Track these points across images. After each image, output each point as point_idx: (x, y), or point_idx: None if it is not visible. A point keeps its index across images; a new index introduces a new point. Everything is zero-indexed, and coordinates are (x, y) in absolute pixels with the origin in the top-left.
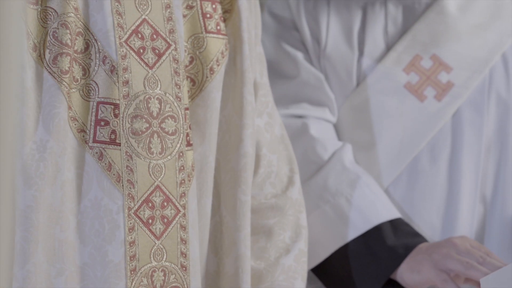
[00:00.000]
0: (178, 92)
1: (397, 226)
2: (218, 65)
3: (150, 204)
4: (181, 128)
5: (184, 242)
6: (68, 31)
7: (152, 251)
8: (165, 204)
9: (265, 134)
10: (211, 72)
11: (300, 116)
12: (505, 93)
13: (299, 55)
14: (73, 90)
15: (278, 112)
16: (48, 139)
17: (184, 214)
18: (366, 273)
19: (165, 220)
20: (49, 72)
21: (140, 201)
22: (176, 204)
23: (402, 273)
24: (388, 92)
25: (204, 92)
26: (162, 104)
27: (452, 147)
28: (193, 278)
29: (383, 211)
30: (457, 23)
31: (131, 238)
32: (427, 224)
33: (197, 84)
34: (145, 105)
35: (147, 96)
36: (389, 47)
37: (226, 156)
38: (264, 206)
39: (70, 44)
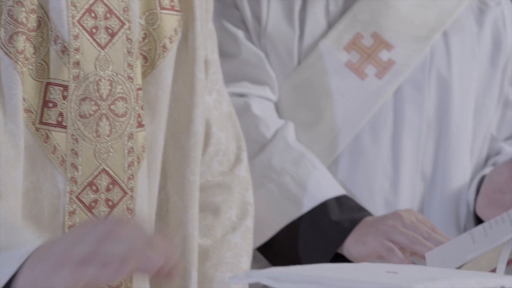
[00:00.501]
0: (131, 73)
1: (342, 201)
2: (171, 43)
3: (94, 188)
4: (132, 110)
5: None
6: (23, 9)
7: None
8: (111, 187)
9: (214, 112)
10: (164, 49)
11: (241, 95)
12: (445, 72)
13: (240, 34)
14: (24, 69)
15: None
16: (6, 122)
17: (131, 197)
18: (312, 249)
19: (110, 203)
20: (5, 52)
21: (83, 185)
22: (123, 186)
23: (348, 247)
24: (329, 71)
25: (156, 70)
26: (113, 86)
27: (393, 125)
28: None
29: (328, 188)
30: (398, 2)
31: (71, 222)
32: (369, 201)
33: (150, 62)
34: (95, 87)
35: (97, 78)
36: (330, 26)
37: (175, 135)
38: (211, 184)
39: (25, 22)
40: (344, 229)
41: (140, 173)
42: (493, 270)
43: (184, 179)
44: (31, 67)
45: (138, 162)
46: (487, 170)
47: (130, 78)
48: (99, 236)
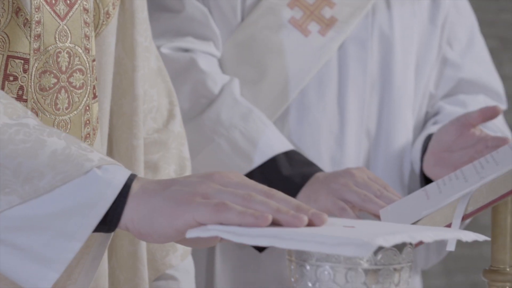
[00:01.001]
0: (87, 44)
1: (292, 156)
2: (113, 9)
3: None
4: (88, 81)
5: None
6: None
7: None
8: None
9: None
10: (107, 16)
11: (186, 50)
12: (387, 29)
13: None
14: None
15: (163, 45)
16: None
17: None
18: None
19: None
20: None
21: None
22: None
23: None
24: (273, 27)
25: (100, 37)
26: (72, 58)
27: (338, 82)
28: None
29: (277, 143)
30: None
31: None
32: (315, 158)
33: (94, 29)
34: (55, 59)
35: (57, 50)
36: None
37: (118, 101)
38: (147, 142)
39: None
40: (295, 185)
41: (95, 144)
42: (448, 225)
43: (128, 144)
44: None
45: (94, 134)
46: (433, 129)
47: (87, 49)
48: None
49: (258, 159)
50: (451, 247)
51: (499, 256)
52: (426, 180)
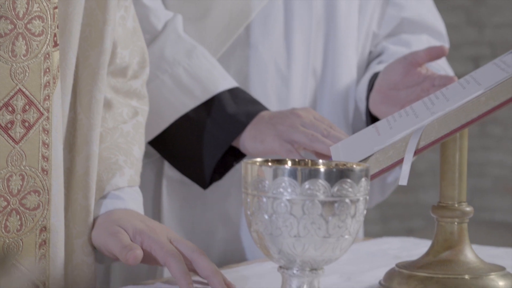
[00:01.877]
0: None
1: (237, 94)
2: None
3: (10, 108)
4: (49, 29)
5: (46, 145)
6: None
7: (10, 155)
8: (27, 107)
9: (118, 29)
10: None
11: None
12: None
13: None
14: None
15: None
16: None
17: (47, 117)
18: (207, 141)
19: (26, 124)
20: None
21: None
22: (39, 107)
23: (244, 141)
24: None
25: None
26: (30, 4)
27: (284, 20)
28: (55, 181)
29: (221, 80)
30: None
31: None
32: (261, 96)
33: None
34: (11, 5)
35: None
36: None
37: (85, 52)
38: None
39: None
40: (240, 123)
41: (55, 93)
42: (401, 160)
43: (91, 97)
44: None
45: (54, 82)
46: (379, 68)
47: None
48: None
49: (202, 96)
50: (403, 181)
51: (448, 192)
52: (372, 119)
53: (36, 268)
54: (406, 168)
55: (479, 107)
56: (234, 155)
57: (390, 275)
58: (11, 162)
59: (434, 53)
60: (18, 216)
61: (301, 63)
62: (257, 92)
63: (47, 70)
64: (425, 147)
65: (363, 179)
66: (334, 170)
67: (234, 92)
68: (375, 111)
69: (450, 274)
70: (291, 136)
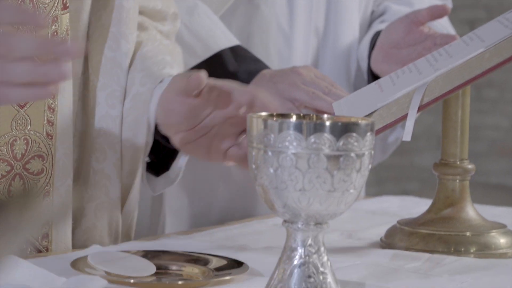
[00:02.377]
0: None
1: (238, 52)
2: None
3: None
4: None
5: (51, 110)
6: None
7: (14, 120)
8: None
9: None
10: None
11: None
12: None
13: None
14: None
15: None
16: None
17: None
18: None
19: None
20: None
21: None
22: None
23: None
24: None
25: None
26: None
27: None
28: (61, 145)
29: (222, 38)
30: None
31: None
32: (263, 56)
33: None
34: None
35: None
36: None
37: (97, 12)
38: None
39: None
40: (241, 81)
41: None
42: (404, 116)
43: (102, 56)
44: None
45: None
46: (381, 27)
47: None
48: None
49: (203, 54)
50: (407, 137)
51: (450, 149)
52: (373, 78)
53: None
54: (410, 124)
55: (483, 64)
56: None
57: (392, 232)
58: (15, 127)
59: (436, 12)
60: (21, 181)
61: (303, 22)
62: (259, 50)
63: (55, 33)
64: (428, 103)
65: (369, 134)
66: (340, 124)
67: (235, 50)
68: (376, 69)
69: (452, 231)
70: (292, 94)
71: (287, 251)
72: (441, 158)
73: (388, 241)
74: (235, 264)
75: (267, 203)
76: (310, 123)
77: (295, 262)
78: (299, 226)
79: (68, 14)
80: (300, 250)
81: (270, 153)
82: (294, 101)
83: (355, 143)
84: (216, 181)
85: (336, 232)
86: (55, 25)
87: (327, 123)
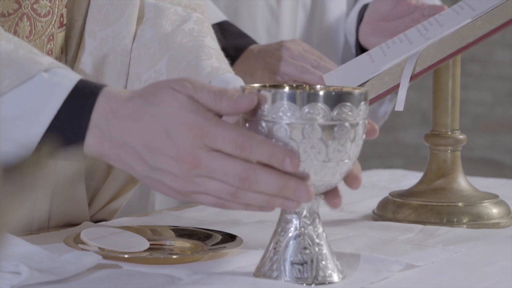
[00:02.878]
0: None
1: (225, 28)
2: None
3: None
4: (56, 9)
5: None
6: None
7: None
8: None
9: None
10: None
11: None
12: None
13: None
14: None
15: None
16: None
17: None
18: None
19: None
20: None
21: None
22: None
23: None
24: None
25: None
26: None
27: None
28: None
29: (210, 14)
30: None
31: None
32: (251, 30)
33: None
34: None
35: None
36: None
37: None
38: None
39: None
40: (229, 57)
41: None
42: (397, 86)
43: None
44: None
45: None
46: (367, 0)
47: None
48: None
49: None
50: (399, 107)
51: (441, 120)
52: (362, 51)
53: None
54: (402, 93)
55: (475, 31)
56: None
57: (384, 204)
58: None
59: None
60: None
61: None
62: (246, 26)
63: (50, 52)
64: (420, 73)
65: (362, 103)
66: (333, 93)
67: (222, 26)
68: (364, 43)
69: (444, 201)
70: (280, 68)
71: (282, 223)
72: (432, 129)
73: (380, 213)
74: (229, 238)
75: None
76: (303, 93)
77: (291, 233)
78: None
79: (63, 32)
80: (296, 222)
81: (264, 124)
82: (283, 75)
83: (349, 113)
84: None
85: (327, 206)
86: (51, 44)
87: (321, 93)
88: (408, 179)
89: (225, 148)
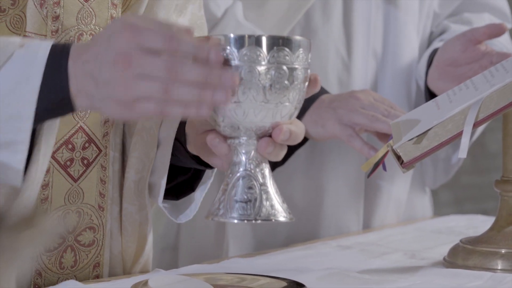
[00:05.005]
0: None
1: None
2: None
3: (70, 146)
4: None
5: (103, 182)
6: None
7: (68, 193)
8: (87, 145)
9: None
10: None
11: None
12: None
13: None
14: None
15: None
16: None
17: (105, 154)
18: None
19: (85, 161)
20: None
21: (59, 143)
22: (99, 144)
23: (306, 126)
24: None
25: (129, 12)
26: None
27: (343, 3)
28: (111, 216)
29: None
30: None
31: (45, 181)
32: (322, 81)
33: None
34: (76, 42)
35: (79, 32)
36: None
37: None
38: None
39: None
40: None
41: (114, 128)
42: (460, 133)
43: None
44: (7, 18)
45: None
46: (438, 44)
47: None
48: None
49: None
50: (463, 154)
51: (511, 166)
52: (430, 95)
53: None
54: (465, 140)
55: None
56: None
57: (454, 251)
58: (69, 200)
59: (493, 30)
60: (73, 253)
61: (361, 46)
62: None
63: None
64: (484, 120)
65: (301, 50)
66: (271, 38)
67: None
68: (433, 87)
69: None
70: (351, 119)
71: (231, 166)
72: (502, 175)
73: (451, 260)
74: (295, 285)
75: (211, 121)
76: (243, 37)
77: (237, 175)
78: (241, 140)
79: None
80: (242, 164)
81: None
82: (354, 125)
83: (287, 57)
84: None
85: (400, 252)
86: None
87: (261, 38)
88: (487, 224)
89: (155, 43)
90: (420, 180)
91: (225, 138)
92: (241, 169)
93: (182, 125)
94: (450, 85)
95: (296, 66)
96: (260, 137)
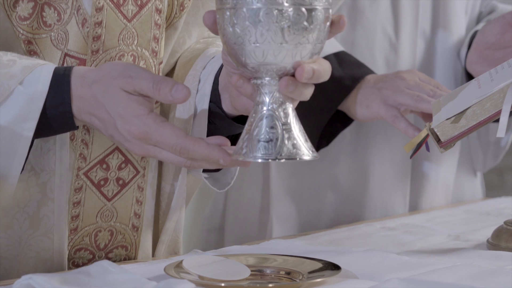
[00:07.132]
0: (156, 47)
1: (342, 57)
2: (189, 0)
3: (105, 166)
4: None
5: (139, 203)
6: None
7: (100, 212)
8: (123, 166)
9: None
10: (181, 8)
11: None
12: None
13: None
14: (43, 35)
15: None
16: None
17: (143, 175)
18: (313, 105)
19: (121, 181)
20: (7, 15)
21: (93, 163)
22: (136, 165)
23: (350, 106)
24: None
25: (171, 29)
26: (137, 60)
27: None
28: (144, 237)
29: (327, 44)
30: None
31: (76, 199)
32: (369, 61)
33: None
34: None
35: (120, 53)
36: None
37: None
38: None
39: None
40: (345, 87)
41: None
42: (498, 112)
43: None
44: (52, 33)
45: None
46: (479, 26)
47: (154, 52)
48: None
49: None
50: (501, 133)
51: None
52: (469, 78)
53: None
54: (504, 119)
55: None
56: (341, 121)
57: (498, 233)
58: (101, 218)
59: None
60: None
61: (410, 26)
62: (364, 57)
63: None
64: None
65: None
66: None
67: (339, 56)
68: (471, 70)
69: None
70: (396, 99)
71: (254, 106)
72: None
73: (495, 242)
74: (330, 267)
75: (234, 62)
76: None
77: (260, 114)
78: (263, 81)
79: (158, 108)
80: (265, 104)
81: (228, 12)
82: (400, 106)
83: None
84: (323, 189)
85: (444, 234)
86: None
87: None
88: None
89: (167, 157)
90: (469, 164)
91: (249, 79)
92: (264, 109)
93: (215, 83)
94: (487, 69)
95: (316, 7)
96: (282, 77)
